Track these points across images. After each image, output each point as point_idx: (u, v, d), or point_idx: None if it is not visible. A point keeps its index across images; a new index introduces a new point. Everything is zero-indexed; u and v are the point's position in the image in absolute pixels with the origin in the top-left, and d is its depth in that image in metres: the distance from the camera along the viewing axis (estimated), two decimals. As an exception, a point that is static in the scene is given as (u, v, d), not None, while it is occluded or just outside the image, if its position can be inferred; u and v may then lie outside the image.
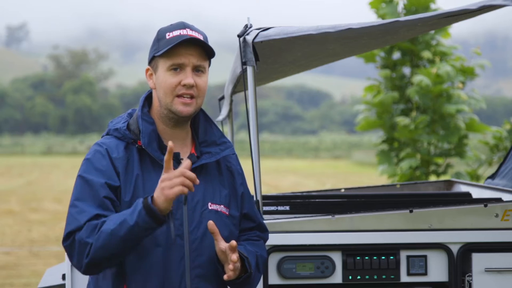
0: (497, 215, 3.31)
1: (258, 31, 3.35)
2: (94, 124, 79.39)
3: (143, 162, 2.73)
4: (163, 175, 2.52)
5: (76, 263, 2.61)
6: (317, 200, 4.27)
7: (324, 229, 3.28)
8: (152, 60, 2.77)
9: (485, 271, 3.26)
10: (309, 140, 67.78)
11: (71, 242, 2.60)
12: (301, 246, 3.26)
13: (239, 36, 3.40)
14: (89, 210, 2.60)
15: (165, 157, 2.52)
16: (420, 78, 8.37)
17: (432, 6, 8.71)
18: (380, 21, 3.13)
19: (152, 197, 2.52)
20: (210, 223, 2.63)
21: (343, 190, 4.95)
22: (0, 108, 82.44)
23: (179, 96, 2.72)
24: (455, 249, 3.29)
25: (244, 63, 3.37)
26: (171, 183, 2.49)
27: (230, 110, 5.42)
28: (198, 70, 2.74)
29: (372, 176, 27.32)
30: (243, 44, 3.36)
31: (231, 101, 5.22)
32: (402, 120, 8.49)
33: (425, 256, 3.29)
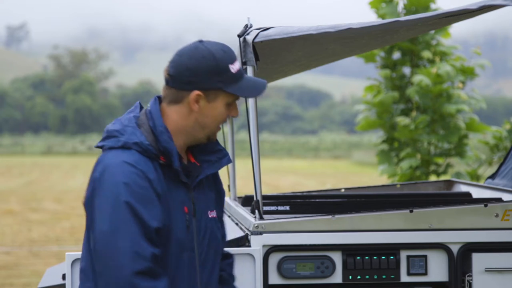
0: (497, 215, 3.30)
1: (258, 31, 3.35)
2: (94, 124, 79.38)
3: (166, 180, 2.67)
4: None
5: None
6: (317, 200, 4.28)
7: (324, 229, 3.28)
8: (211, 88, 2.69)
9: (485, 271, 3.26)
10: (309, 140, 67.79)
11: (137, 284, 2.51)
12: (301, 246, 3.26)
13: (239, 36, 3.40)
14: (148, 250, 2.53)
15: None
16: (420, 78, 8.37)
17: (432, 6, 8.70)
18: (380, 21, 3.13)
19: None
20: None
21: (343, 190, 4.95)
22: (0, 108, 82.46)
23: None
24: (455, 249, 3.28)
25: (244, 63, 3.38)
26: None
27: (230, 110, 5.41)
28: None
29: (372, 176, 27.30)
30: (243, 44, 3.36)
31: (231, 101, 5.21)
32: (402, 120, 8.49)
33: (425, 256, 3.29)
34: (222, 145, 2.86)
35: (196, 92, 2.68)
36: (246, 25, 3.41)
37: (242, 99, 3.40)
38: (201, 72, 2.67)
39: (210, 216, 2.78)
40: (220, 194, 2.88)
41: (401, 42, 8.53)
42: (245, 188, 6.56)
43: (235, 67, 2.70)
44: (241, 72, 2.73)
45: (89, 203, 2.61)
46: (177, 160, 2.67)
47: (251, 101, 3.39)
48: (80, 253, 3.23)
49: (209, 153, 2.80)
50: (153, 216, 2.56)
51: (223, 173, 3.35)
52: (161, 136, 2.66)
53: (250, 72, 3.37)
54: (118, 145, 2.64)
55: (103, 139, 2.70)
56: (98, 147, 2.73)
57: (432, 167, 8.76)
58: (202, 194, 2.76)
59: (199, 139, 2.74)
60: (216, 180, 2.87)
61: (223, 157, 2.80)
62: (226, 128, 5.76)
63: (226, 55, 2.71)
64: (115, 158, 2.60)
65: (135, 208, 2.54)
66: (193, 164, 2.77)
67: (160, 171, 2.65)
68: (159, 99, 2.75)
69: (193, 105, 2.69)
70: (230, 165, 4.48)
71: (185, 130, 2.72)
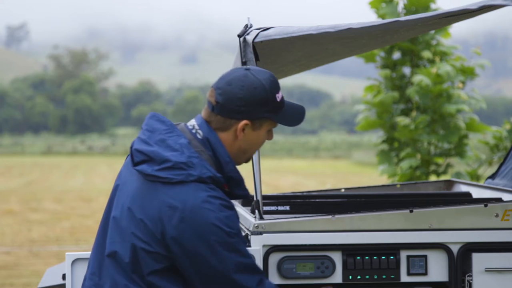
0: (497, 215, 3.30)
1: (258, 31, 3.35)
2: (94, 124, 79.39)
3: None
4: None
5: None
6: (317, 200, 4.27)
7: (324, 229, 3.28)
8: (258, 118, 2.76)
9: (485, 271, 3.26)
10: (309, 140, 67.84)
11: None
12: (301, 246, 3.26)
13: (239, 36, 3.40)
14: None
15: None
16: (420, 78, 8.37)
17: (432, 6, 8.70)
18: (380, 21, 3.13)
19: None
20: None
21: (343, 190, 4.94)
22: (0, 108, 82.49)
23: None
24: (455, 249, 3.28)
25: (244, 63, 3.38)
26: None
27: (230, 110, 5.41)
28: None
29: (372, 176, 27.30)
30: (243, 44, 3.36)
31: (231, 101, 5.21)
32: (402, 120, 8.49)
33: (425, 256, 3.29)
34: None
35: (245, 121, 2.74)
36: (246, 25, 3.41)
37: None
38: (253, 102, 2.73)
39: None
40: None
41: (401, 42, 8.53)
42: (245, 188, 6.55)
43: (279, 95, 2.79)
44: (283, 100, 2.82)
45: (181, 244, 2.62)
46: (246, 188, 2.80)
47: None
48: (81, 253, 3.24)
49: None
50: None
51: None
52: (227, 166, 2.74)
53: (250, 72, 3.37)
54: (190, 179, 2.64)
55: (164, 169, 2.66)
56: (159, 177, 2.67)
57: (432, 167, 8.76)
58: None
59: (239, 163, 2.83)
60: None
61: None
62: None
63: (274, 84, 2.78)
64: (197, 194, 2.62)
65: (239, 235, 2.66)
66: None
67: None
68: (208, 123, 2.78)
69: (239, 133, 2.75)
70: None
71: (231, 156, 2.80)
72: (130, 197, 2.72)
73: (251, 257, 2.69)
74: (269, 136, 2.84)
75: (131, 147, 2.77)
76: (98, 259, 2.76)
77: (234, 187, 2.76)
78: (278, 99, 2.78)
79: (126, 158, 2.89)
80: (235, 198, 2.79)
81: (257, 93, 2.72)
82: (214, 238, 2.59)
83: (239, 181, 2.76)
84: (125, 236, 2.69)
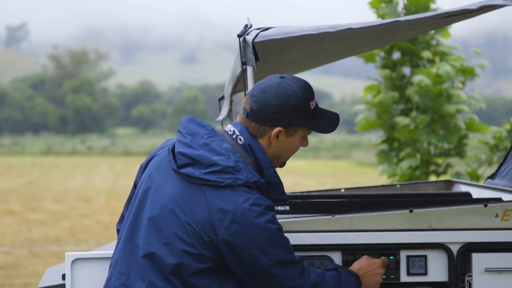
0: (497, 215, 3.30)
1: (258, 31, 3.35)
2: (94, 124, 79.40)
3: None
4: (381, 269, 3.10)
5: None
6: (317, 200, 4.27)
7: (324, 229, 3.28)
8: (292, 125, 2.84)
9: (485, 271, 3.26)
10: (309, 140, 67.81)
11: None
12: (301, 246, 3.26)
13: (239, 36, 3.40)
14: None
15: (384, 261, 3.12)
16: (420, 78, 8.38)
17: (432, 6, 8.71)
18: (380, 21, 3.13)
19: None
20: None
21: (343, 190, 4.95)
22: (0, 108, 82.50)
23: None
24: (455, 249, 3.28)
25: (244, 63, 3.38)
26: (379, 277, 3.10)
27: (230, 110, 5.42)
28: None
29: (372, 176, 27.31)
30: (243, 44, 3.36)
31: (231, 101, 5.22)
32: (402, 120, 8.50)
33: (425, 256, 3.29)
34: None
35: (278, 128, 2.82)
36: (246, 25, 3.41)
37: (242, 99, 3.39)
38: (286, 110, 2.80)
39: None
40: None
41: (401, 42, 8.54)
42: (245, 188, 6.53)
43: (313, 103, 2.86)
44: (318, 107, 2.88)
45: (231, 246, 2.71)
46: (284, 192, 2.88)
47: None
48: (81, 253, 3.24)
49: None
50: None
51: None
52: (269, 171, 2.82)
53: (250, 72, 3.37)
54: (238, 184, 2.73)
55: (212, 173, 2.72)
56: (208, 180, 2.73)
57: (432, 167, 8.76)
58: None
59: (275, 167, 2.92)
60: None
61: None
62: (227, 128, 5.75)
63: (308, 93, 2.84)
64: (246, 197, 2.72)
65: (282, 229, 2.79)
66: None
67: None
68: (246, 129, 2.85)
69: (273, 140, 2.83)
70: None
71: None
72: (171, 200, 2.75)
73: (293, 251, 2.83)
74: (304, 142, 2.91)
75: (172, 150, 2.81)
76: (127, 259, 2.78)
77: (272, 192, 2.85)
78: (312, 107, 2.84)
79: (152, 160, 2.89)
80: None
81: (291, 101, 2.79)
82: (264, 238, 2.71)
83: (278, 186, 2.85)
84: (165, 237, 2.72)
